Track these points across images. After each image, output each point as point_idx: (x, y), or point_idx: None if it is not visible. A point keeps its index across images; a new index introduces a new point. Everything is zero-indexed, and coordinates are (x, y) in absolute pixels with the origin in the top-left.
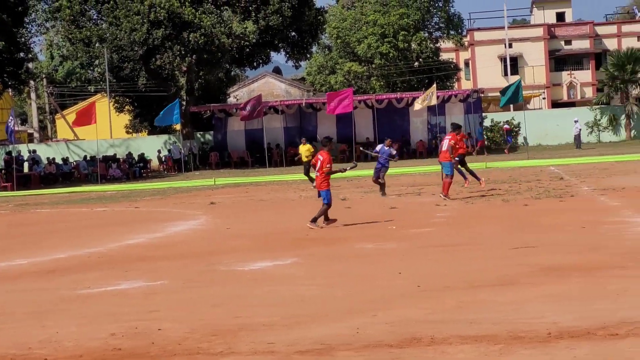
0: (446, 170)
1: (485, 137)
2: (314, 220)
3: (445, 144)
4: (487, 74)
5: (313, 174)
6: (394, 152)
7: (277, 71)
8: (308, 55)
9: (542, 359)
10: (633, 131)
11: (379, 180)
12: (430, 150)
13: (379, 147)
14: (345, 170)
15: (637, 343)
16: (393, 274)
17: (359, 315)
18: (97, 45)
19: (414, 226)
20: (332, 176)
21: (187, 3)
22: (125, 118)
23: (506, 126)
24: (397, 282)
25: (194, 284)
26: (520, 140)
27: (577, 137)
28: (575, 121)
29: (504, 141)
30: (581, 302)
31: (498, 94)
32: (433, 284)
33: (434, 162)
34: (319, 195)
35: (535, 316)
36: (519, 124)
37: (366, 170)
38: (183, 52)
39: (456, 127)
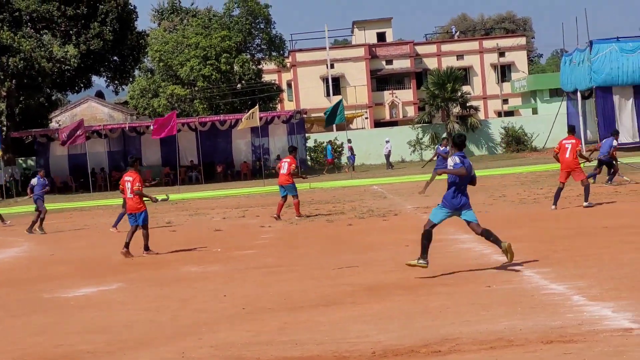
0: (291, 192)
1: (309, 157)
2: (145, 247)
3: (285, 167)
4: (310, 95)
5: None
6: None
7: (99, 95)
8: (130, 79)
9: None
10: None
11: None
12: (254, 172)
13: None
14: (156, 200)
15: (458, 359)
16: (218, 296)
17: (185, 339)
18: None
19: (239, 248)
20: (144, 199)
21: (4, 27)
22: None
23: (349, 144)
24: (222, 305)
25: (15, 313)
26: (343, 160)
27: (387, 157)
28: (387, 141)
29: (348, 160)
30: (404, 320)
31: (321, 114)
32: (257, 306)
33: (258, 183)
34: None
35: (359, 335)
36: (342, 144)
37: (185, 194)
38: (2, 77)
39: (293, 150)
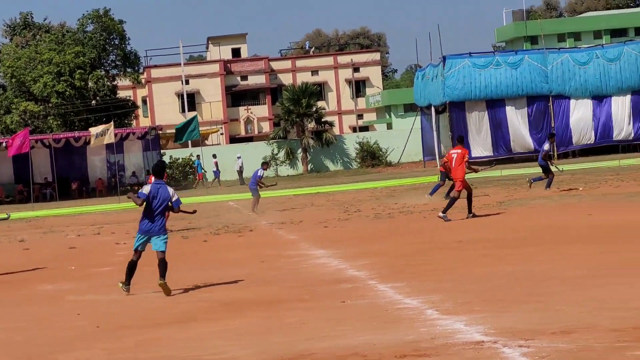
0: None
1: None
2: None
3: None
4: (165, 111)
5: None
6: None
7: None
8: None
9: None
10: (310, 164)
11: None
12: (110, 189)
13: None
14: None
15: None
16: (72, 315)
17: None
18: None
19: (94, 265)
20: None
21: None
22: None
23: (215, 159)
24: (77, 324)
25: None
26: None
27: (240, 173)
28: (238, 157)
29: (214, 174)
30: (261, 336)
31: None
32: (113, 324)
33: (113, 200)
34: None
35: (216, 352)
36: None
37: (39, 211)
38: None
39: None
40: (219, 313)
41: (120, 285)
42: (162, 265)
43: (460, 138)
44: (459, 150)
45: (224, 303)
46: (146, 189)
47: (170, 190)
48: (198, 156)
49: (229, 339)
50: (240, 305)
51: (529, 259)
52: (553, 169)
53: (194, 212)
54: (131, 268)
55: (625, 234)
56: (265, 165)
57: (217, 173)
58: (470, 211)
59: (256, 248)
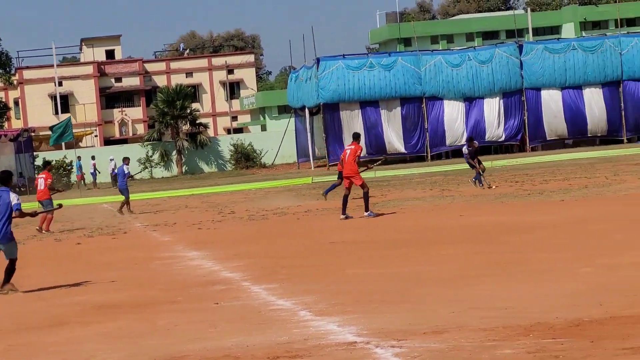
0: (49, 206)
1: (37, 176)
2: None
3: (42, 183)
4: (38, 113)
5: None
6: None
7: None
8: None
9: None
10: (184, 166)
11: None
12: None
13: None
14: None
15: None
16: None
17: None
18: None
19: None
20: None
21: None
22: None
23: (93, 161)
24: None
25: None
26: (73, 178)
27: (113, 176)
28: (111, 159)
29: (92, 176)
30: (133, 339)
31: (49, 132)
32: None
33: None
34: None
35: (88, 356)
36: (71, 162)
37: None
38: None
39: (48, 164)
40: (91, 316)
41: None
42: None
43: (356, 135)
44: (353, 147)
45: (96, 306)
46: None
47: (13, 195)
48: (79, 157)
49: (100, 342)
50: (112, 308)
51: (401, 260)
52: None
53: (60, 206)
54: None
55: (492, 235)
56: (127, 160)
57: (94, 175)
58: (344, 212)
59: (130, 250)
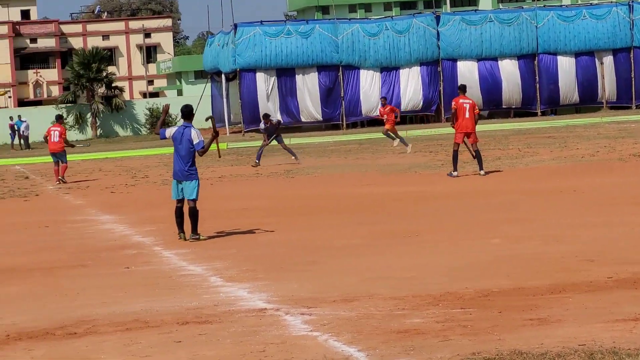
0: (62, 158)
1: None
2: None
3: (56, 135)
4: None
5: None
6: None
7: None
8: None
9: None
10: (99, 129)
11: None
12: None
13: None
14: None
15: (95, 341)
16: None
17: None
18: None
19: None
20: None
21: None
22: None
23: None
24: None
25: None
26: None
27: (24, 137)
28: (23, 121)
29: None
30: (40, 302)
31: None
32: None
33: None
34: None
35: None
36: None
37: None
38: None
39: (60, 117)
40: None
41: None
42: (192, 217)
43: (463, 87)
44: (469, 101)
45: (3, 268)
46: (170, 130)
47: (194, 132)
48: (20, 117)
49: (6, 305)
50: (18, 272)
51: (310, 227)
52: None
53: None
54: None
55: (400, 204)
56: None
57: (12, 136)
58: (456, 169)
59: (41, 213)
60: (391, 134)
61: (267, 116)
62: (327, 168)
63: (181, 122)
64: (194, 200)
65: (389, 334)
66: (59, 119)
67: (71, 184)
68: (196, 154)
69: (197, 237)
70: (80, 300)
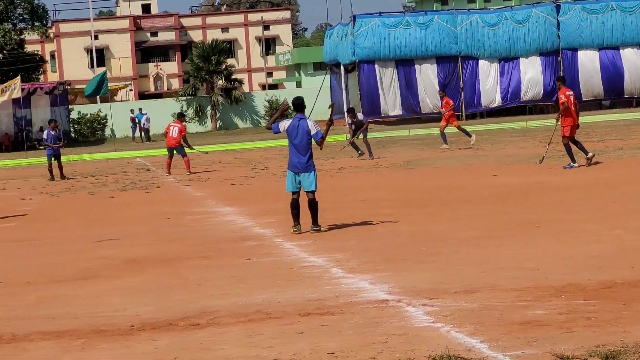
0: (183, 152)
1: (72, 129)
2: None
3: (176, 131)
4: (74, 66)
5: None
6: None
7: None
8: None
9: (123, 352)
10: (219, 122)
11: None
12: (16, 144)
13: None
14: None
15: (216, 332)
16: None
17: None
18: None
19: None
20: None
21: None
22: None
23: (131, 115)
24: None
25: None
26: (107, 132)
27: (146, 130)
28: (144, 114)
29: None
30: (162, 293)
31: (85, 86)
32: (14, 280)
33: (20, 155)
34: None
35: (117, 309)
36: (105, 115)
37: None
38: None
39: (181, 116)
40: (121, 270)
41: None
42: (312, 208)
43: (563, 78)
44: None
45: (126, 260)
46: (284, 123)
47: (311, 123)
48: (140, 109)
49: (129, 295)
50: (142, 262)
51: (430, 218)
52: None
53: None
54: (294, 207)
55: (522, 196)
56: (53, 123)
57: (133, 129)
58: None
59: (162, 205)
60: (456, 129)
61: (352, 110)
62: (446, 159)
63: (294, 114)
64: (313, 192)
65: (511, 326)
66: (180, 116)
67: (192, 176)
68: (315, 145)
69: (318, 228)
70: (202, 291)
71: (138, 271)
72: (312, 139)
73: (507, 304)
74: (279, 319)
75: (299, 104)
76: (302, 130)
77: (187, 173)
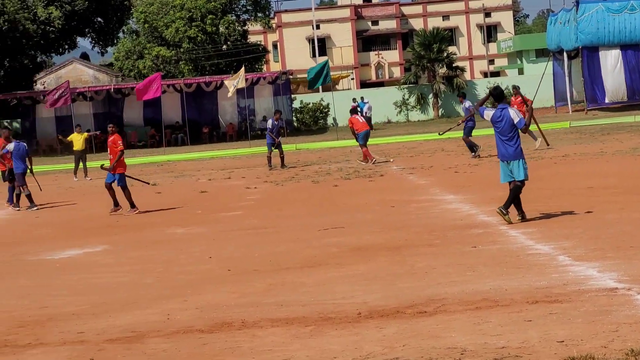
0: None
1: (295, 118)
2: (132, 205)
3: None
4: (296, 56)
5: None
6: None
7: (84, 57)
8: (115, 41)
9: (352, 339)
10: (441, 110)
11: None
12: (240, 134)
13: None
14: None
15: (444, 320)
16: (203, 258)
17: (169, 301)
18: None
19: (224, 210)
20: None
21: None
22: None
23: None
24: (207, 267)
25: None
26: (329, 121)
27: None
28: (366, 102)
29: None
30: (390, 281)
31: (306, 75)
32: (242, 268)
33: (244, 144)
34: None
35: (344, 296)
36: (328, 104)
37: (170, 155)
38: None
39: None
40: (347, 258)
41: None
42: (513, 192)
43: None
44: None
45: (352, 248)
46: (488, 113)
47: (513, 112)
48: (362, 98)
49: (356, 283)
50: (368, 250)
51: None
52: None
53: None
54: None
55: None
56: (278, 113)
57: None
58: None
59: (386, 193)
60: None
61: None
62: None
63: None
64: (522, 181)
65: None
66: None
67: (415, 164)
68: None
69: (504, 214)
70: (428, 279)
71: (364, 259)
72: (517, 127)
73: None
74: (506, 307)
75: (498, 94)
76: (506, 120)
77: (365, 160)
